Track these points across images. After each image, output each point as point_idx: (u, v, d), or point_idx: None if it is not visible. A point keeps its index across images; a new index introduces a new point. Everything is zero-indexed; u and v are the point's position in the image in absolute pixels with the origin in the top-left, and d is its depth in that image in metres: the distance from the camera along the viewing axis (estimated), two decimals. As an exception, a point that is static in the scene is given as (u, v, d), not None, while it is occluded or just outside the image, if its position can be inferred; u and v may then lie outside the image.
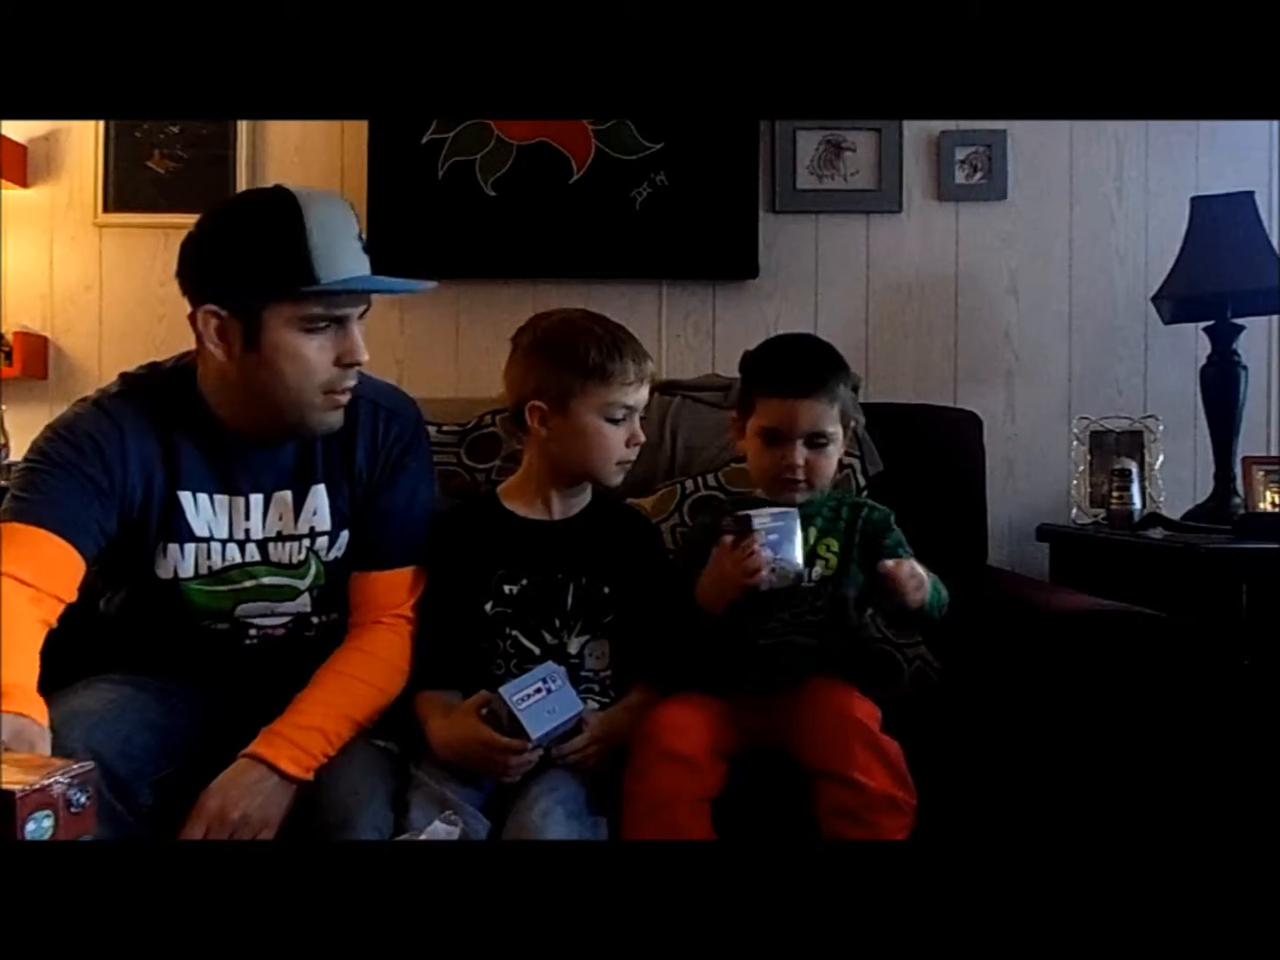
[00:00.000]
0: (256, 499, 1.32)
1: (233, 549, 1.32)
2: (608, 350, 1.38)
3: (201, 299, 1.23)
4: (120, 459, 1.25)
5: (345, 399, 1.29)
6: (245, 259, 1.21)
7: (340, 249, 1.23)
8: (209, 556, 1.31)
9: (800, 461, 1.38)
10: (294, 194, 1.23)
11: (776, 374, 1.40)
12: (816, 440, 1.39)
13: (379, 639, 1.34)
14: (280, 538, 1.34)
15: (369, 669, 1.31)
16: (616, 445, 1.40)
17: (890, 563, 1.30)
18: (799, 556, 1.31)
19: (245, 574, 1.32)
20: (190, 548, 1.30)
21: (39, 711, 1.05)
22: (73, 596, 1.20)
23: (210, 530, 1.31)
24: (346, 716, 1.26)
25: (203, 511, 1.30)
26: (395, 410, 1.40)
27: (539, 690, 1.23)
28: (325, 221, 1.22)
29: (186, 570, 1.30)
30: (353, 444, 1.35)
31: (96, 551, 1.23)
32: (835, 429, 1.40)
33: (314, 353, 1.24)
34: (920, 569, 1.32)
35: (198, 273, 1.25)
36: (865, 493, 1.73)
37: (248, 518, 1.32)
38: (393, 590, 1.37)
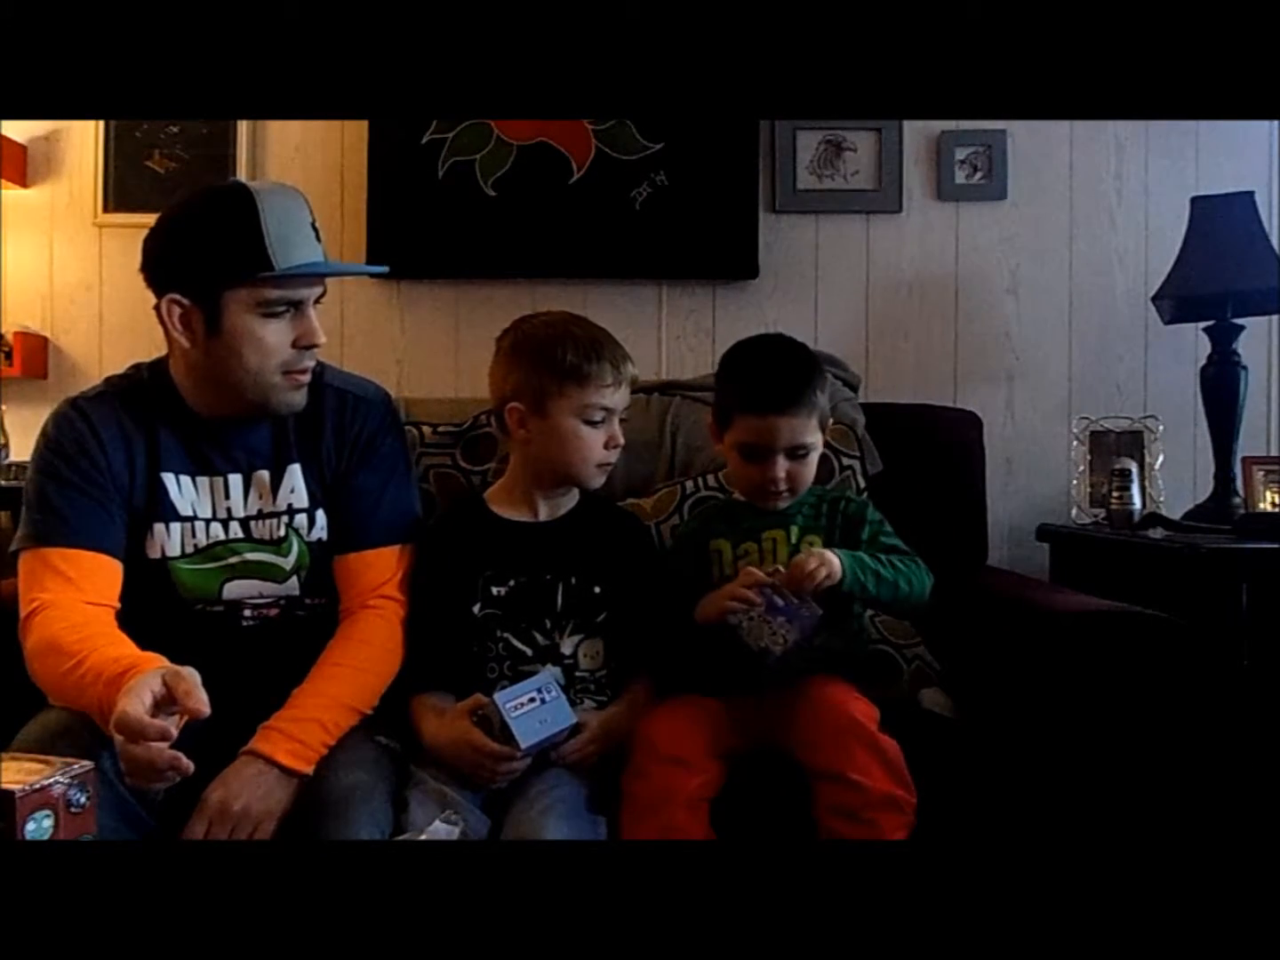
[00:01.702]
0: (235, 479, 1.37)
1: (216, 527, 1.36)
2: (584, 352, 1.38)
3: (165, 289, 1.29)
4: (101, 451, 1.31)
5: (306, 378, 1.34)
6: (205, 249, 1.27)
7: (294, 237, 1.28)
8: (194, 535, 1.35)
9: (783, 475, 1.38)
10: (249, 187, 1.29)
11: (753, 391, 1.39)
12: (797, 452, 1.39)
13: (366, 624, 1.36)
14: (261, 515, 1.38)
15: (359, 655, 1.33)
16: (595, 447, 1.40)
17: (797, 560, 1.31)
18: (781, 642, 1.27)
19: (229, 550, 1.36)
20: (176, 526, 1.35)
21: (164, 661, 1.13)
22: (117, 602, 1.29)
23: (194, 510, 1.36)
24: (343, 704, 1.28)
25: (186, 492, 1.36)
26: (363, 397, 1.44)
27: (533, 699, 1.24)
28: (279, 211, 1.27)
29: (174, 549, 1.35)
30: (320, 428, 1.40)
31: (124, 543, 1.31)
32: (815, 438, 1.40)
33: (272, 336, 1.29)
34: (828, 553, 1.31)
35: (161, 264, 1.30)
36: (865, 493, 1.72)
37: (228, 497, 1.37)
38: (372, 570, 1.39)
